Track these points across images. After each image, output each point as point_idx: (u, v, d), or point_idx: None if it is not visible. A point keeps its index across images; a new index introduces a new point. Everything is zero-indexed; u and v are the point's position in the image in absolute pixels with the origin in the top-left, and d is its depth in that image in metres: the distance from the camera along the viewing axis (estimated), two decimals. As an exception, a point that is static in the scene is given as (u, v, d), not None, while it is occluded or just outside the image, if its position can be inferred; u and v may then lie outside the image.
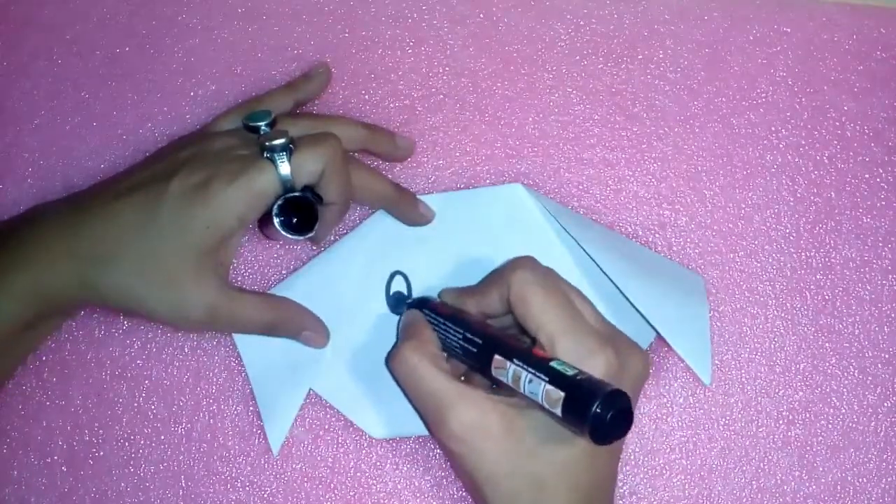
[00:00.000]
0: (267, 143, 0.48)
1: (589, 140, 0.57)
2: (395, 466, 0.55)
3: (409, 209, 0.54)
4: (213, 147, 0.51)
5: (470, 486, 0.48)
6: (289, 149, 0.48)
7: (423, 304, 0.53)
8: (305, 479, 0.55)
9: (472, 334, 0.48)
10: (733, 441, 0.55)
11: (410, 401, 0.49)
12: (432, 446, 0.55)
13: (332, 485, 0.55)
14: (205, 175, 0.48)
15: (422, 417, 0.49)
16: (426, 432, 0.54)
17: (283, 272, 0.56)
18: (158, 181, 0.49)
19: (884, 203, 0.56)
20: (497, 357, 0.45)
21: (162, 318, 0.50)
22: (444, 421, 0.46)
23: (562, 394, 0.41)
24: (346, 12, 0.59)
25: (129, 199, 0.49)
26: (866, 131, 0.57)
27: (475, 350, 0.47)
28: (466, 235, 0.55)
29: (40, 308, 0.50)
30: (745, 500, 0.54)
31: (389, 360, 0.49)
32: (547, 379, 0.42)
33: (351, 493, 0.55)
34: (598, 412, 0.40)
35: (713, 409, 0.55)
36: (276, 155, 0.48)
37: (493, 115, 0.57)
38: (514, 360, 0.44)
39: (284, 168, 0.48)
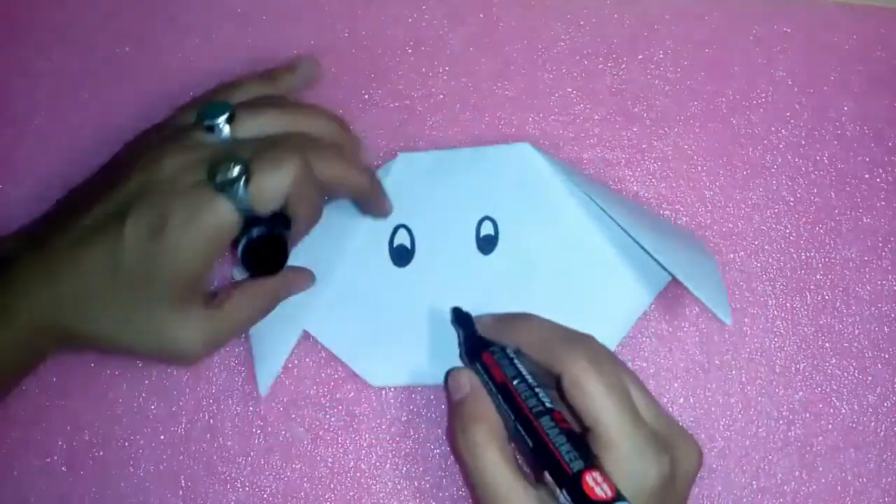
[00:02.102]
0: (219, 179, 0.44)
1: (589, 140, 0.57)
2: (395, 466, 0.55)
3: (377, 202, 0.53)
4: (163, 174, 0.46)
5: None
6: (245, 175, 0.44)
7: (477, 351, 0.50)
8: (305, 479, 0.55)
9: (525, 431, 0.46)
10: (733, 441, 0.55)
11: (465, 476, 0.50)
12: (432, 446, 0.55)
13: (332, 485, 0.55)
14: (157, 214, 0.45)
15: (472, 495, 0.51)
16: (424, 382, 0.54)
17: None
18: (114, 222, 0.46)
19: (884, 203, 0.56)
20: (547, 476, 0.44)
21: (163, 362, 0.49)
22: None
23: None
24: (346, 12, 0.59)
25: (91, 246, 0.46)
26: (866, 131, 0.57)
27: (528, 446, 0.46)
28: (473, 192, 0.55)
29: (42, 348, 0.49)
30: (744, 500, 0.54)
31: (454, 435, 0.48)
32: None
33: (351, 493, 0.55)
34: None
35: (713, 409, 0.55)
36: (230, 189, 0.44)
37: (493, 115, 0.57)
38: (564, 491, 0.43)
39: (241, 202, 0.45)
